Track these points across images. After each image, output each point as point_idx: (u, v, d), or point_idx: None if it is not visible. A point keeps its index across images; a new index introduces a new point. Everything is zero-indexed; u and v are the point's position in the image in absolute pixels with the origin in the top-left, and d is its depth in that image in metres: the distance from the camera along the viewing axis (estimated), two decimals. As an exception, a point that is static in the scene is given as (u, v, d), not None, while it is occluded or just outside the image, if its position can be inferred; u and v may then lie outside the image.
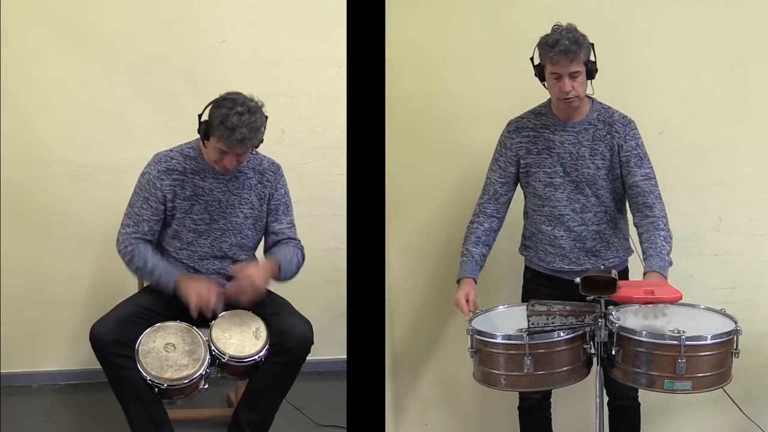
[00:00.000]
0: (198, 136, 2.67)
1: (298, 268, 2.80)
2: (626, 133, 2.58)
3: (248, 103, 2.57)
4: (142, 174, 2.72)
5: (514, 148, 2.65)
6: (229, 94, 2.60)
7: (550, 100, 2.63)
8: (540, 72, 2.55)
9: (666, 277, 2.39)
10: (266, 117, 2.64)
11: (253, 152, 2.79)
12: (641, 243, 2.52)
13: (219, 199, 2.74)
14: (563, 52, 2.43)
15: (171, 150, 2.75)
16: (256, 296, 2.61)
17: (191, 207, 2.72)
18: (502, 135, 2.69)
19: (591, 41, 2.50)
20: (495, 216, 2.67)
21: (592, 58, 2.50)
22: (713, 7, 3.03)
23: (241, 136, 2.52)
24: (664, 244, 2.46)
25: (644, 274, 2.43)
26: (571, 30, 2.47)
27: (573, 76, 2.46)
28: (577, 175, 2.59)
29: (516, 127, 2.66)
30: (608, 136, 2.58)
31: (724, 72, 3.06)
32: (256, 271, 2.62)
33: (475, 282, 2.59)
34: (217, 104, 2.57)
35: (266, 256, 2.85)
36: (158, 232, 2.74)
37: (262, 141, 2.69)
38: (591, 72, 2.51)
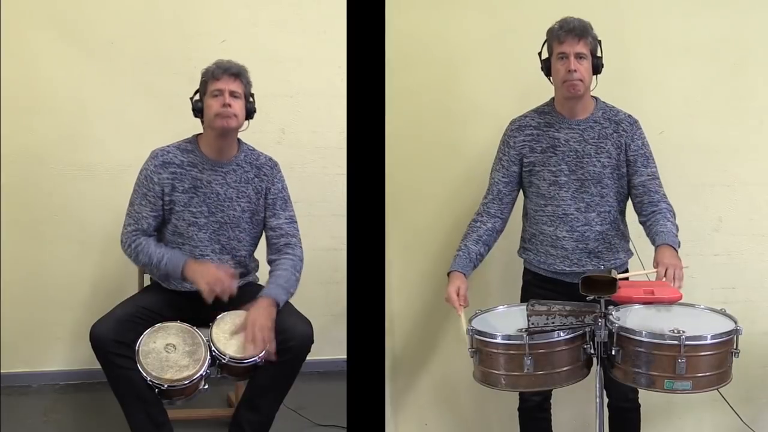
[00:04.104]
0: (194, 135, 2.73)
1: (297, 282, 2.75)
2: (633, 132, 2.58)
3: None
4: (140, 171, 2.74)
5: (518, 146, 2.64)
6: None
7: (553, 99, 2.63)
8: (547, 66, 2.56)
9: (677, 251, 2.39)
10: (251, 84, 2.77)
11: (251, 148, 2.82)
12: (649, 233, 2.50)
13: (217, 192, 2.74)
14: (571, 30, 2.48)
15: (168, 146, 2.76)
16: (267, 338, 2.54)
17: (190, 200, 2.72)
18: (504, 134, 2.68)
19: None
20: (498, 216, 2.66)
21: (599, 54, 2.53)
22: (714, 7, 3.03)
23: (228, 64, 2.71)
24: (673, 228, 2.46)
25: (656, 248, 2.41)
26: (579, 19, 2.52)
27: (579, 57, 2.48)
28: (582, 173, 2.58)
29: (519, 125, 2.65)
30: (615, 134, 2.58)
31: (724, 72, 3.06)
32: (257, 316, 2.56)
33: (466, 277, 2.55)
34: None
35: (268, 261, 2.81)
36: (159, 228, 2.75)
37: (252, 103, 2.75)
38: (597, 67, 2.54)
